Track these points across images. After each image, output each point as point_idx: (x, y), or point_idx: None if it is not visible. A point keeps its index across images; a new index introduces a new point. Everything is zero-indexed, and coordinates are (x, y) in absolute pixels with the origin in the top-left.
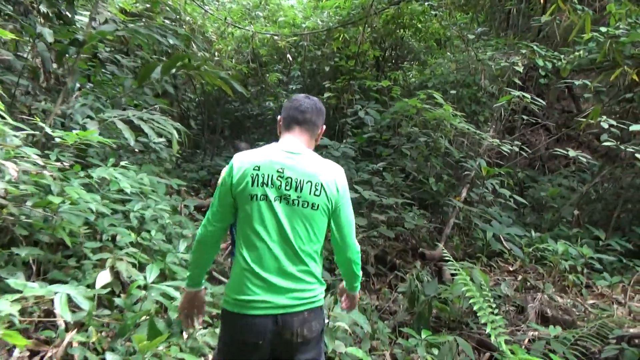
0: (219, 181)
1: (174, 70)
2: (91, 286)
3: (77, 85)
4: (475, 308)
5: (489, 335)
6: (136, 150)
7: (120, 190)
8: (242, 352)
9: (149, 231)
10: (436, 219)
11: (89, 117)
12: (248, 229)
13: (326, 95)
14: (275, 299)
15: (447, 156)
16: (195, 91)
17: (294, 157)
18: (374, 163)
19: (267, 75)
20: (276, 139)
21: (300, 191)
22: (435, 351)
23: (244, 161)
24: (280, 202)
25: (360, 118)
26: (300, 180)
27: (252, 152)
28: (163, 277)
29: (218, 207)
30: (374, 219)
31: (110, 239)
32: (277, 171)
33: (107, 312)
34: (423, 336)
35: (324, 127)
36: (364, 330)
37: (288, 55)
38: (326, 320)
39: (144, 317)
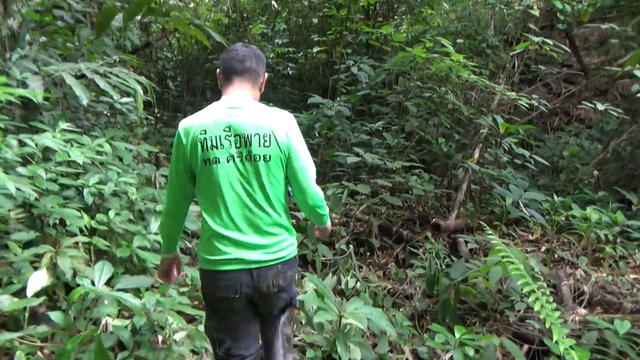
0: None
1: (138, 17)
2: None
3: (27, 37)
4: (531, 298)
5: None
6: (104, 112)
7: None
8: (223, 306)
9: (108, 210)
10: (446, 184)
11: (32, 72)
12: (208, 193)
13: (315, 49)
14: (248, 254)
15: (454, 113)
16: (172, 49)
17: (237, 112)
18: (370, 123)
19: (250, 27)
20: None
21: (250, 145)
22: (470, 351)
23: (190, 127)
24: (233, 161)
25: (353, 74)
26: (247, 135)
27: (197, 116)
28: (131, 266)
29: (175, 177)
30: (376, 185)
31: (57, 223)
32: (224, 130)
33: (43, 328)
34: (457, 335)
35: (266, 75)
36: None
37: (273, 3)
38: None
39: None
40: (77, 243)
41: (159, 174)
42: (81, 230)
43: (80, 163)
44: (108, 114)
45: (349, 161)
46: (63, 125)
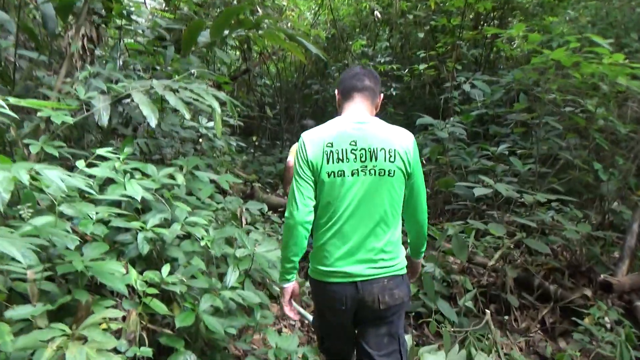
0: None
1: (227, 32)
2: None
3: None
4: None
5: None
6: (193, 139)
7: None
8: (331, 315)
9: (172, 260)
10: (606, 224)
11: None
12: (328, 204)
13: (422, 67)
14: (355, 269)
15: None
16: (270, 76)
17: (363, 126)
18: (487, 146)
19: (350, 43)
20: None
21: (376, 160)
22: None
23: (315, 139)
24: (358, 175)
25: (464, 92)
26: (374, 149)
27: (321, 129)
28: (195, 338)
29: (301, 186)
30: (510, 223)
31: (96, 283)
32: (350, 144)
33: None
34: None
35: (382, 95)
36: None
37: (376, 13)
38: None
39: None
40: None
41: (246, 208)
42: (130, 292)
43: (138, 199)
44: (198, 140)
45: (476, 193)
46: (128, 151)
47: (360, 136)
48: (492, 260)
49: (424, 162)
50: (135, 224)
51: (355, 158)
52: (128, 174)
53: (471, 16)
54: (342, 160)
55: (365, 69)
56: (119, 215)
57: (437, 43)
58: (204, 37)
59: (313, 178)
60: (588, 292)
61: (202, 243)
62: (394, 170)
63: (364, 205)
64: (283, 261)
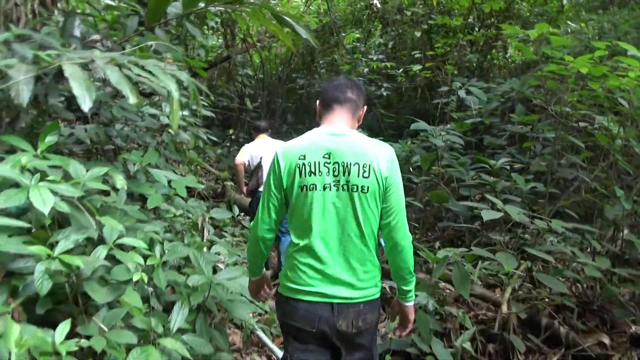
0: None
1: (203, 5)
2: None
3: (78, 34)
4: None
5: None
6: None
7: None
8: (299, 336)
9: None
10: (617, 255)
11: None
12: (300, 220)
13: (416, 68)
14: (333, 290)
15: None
16: (253, 67)
17: (338, 139)
18: (485, 159)
19: (343, 34)
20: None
21: (349, 175)
22: None
23: (289, 151)
24: (330, 189)
25: (459, 99)
26: (347, 163)
27: (296, 141)
28: None
29: (269, 202)
30: (518, 254)
31: None
32: (324, 157)
33: None
34: None
35: (365, 107)
36: None
37: (376, 2)
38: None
39: None
40: None
41: (210, 217)
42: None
43: (45, 212)
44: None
45: (485, 217)
46: (51, 140)
47: (334, 149)
48: (499, 295)
49: (411, 170)
50: (35, 249)
51: (329, 172)
52: (35, 175)
53: (470, 19)
54: (315, 174)
55: (349, 80)
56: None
57: (432, 44)
58: (175, 7)
59: (283, 194)
60: (606, 340)
61: (135, 277)
62: (367, 187)
63: (337, 222)
64: (249, 262)
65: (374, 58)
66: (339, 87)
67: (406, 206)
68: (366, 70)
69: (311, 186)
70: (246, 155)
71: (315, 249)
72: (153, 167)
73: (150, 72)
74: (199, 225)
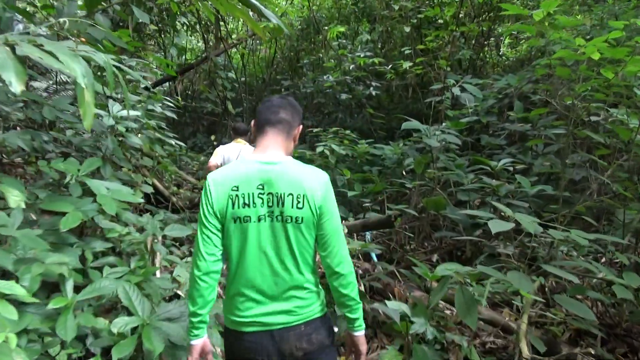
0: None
1: None
2: None
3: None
4: None
5: None
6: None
7: None
8: None
9: None
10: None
11: None
12: (235, 251)
13: (406, 64)
14: (269, 319)
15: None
16: (233, 69)
17: (272, 168)
18: (485, 160)
19: (326, 28)
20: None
21: (283, 206)
22: None
23: (220, 182)
24: (264, 220)
25: (453, 97)
26: (281, 195)
27: (227, 170)
28: None
29: (209, 231)
30: (529, 269)
31: None
32: (257, 187)
33: None
34: None
35: (301, 126)
36: None
37: None
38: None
39: None
40: None
41: (164, 235)
42: None
43: None
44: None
45: (493, 229)
46: None
47: (267, 179)
48: (508, 318)
49: (404, 173)
50: None
51: (262, 203)
52: None
53: (462, 13)
54: (249, 205)
55: (282, 99)
56: None
57: (423, 40)
58: None
59: (219, 224)
60: None
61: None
62: (302, 217)
63: (273, 253)
64: (189, 315)
65: (362, 55)
66: (271, 108)
67: (400, 214)
68: (352, 66)
69: (245, 218)
70: (219, 157)
71: (251, 281)
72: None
73: (48, 52)
74: (149, 246)
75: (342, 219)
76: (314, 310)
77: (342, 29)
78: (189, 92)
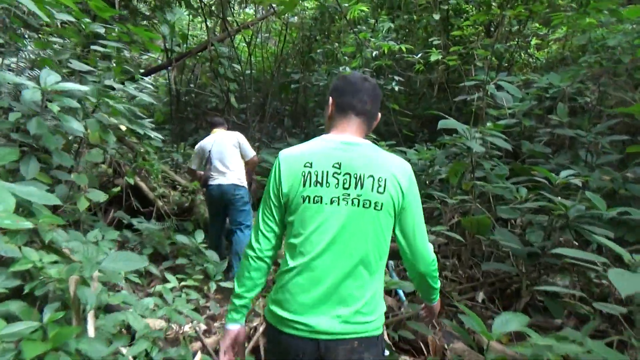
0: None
1: None
2: None
3: None
4: None
5: None
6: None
7: None
8: None
9: None
10: None
11: None
12: (300, 235)
13: (435, 56)
14: (319, 322)
15: None
16: (238, 59)
17: (352, 148)
18: (544, 170)
19: (347, 5)
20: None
21: (361, 188)
22: None
23: (292, 157)
24: (338, 203)
25: (488, 96)
26: (360, 176)
27: (302, 146)
28: None
29: (270, 213)
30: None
31: None
32: (333, 166)
33: None
34: None
35: (379, 115)
36: None
37: None
38: (386, 353)
39: None
40: None
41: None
42: None
43: None
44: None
45: (622, 289)
46: None
47: (346, 159)
48: None
49: (428, 183)
50: None
51: (337, 183)
52: None
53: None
54: (321, 184)
55: (368, 82)
56: None
57: (450, 32)
58: None
59: (283, 205)
60: None
61: None
62: (382, 203)
63: (342, 242)
64: (233, 296)
65: (386, 41)
66: (358, 94)
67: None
68: (375, 53)
69: (315, 198)
70: (195, 157)
71: (312, 271)
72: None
73: None
74: (71, 293)
75: None
76: (373, 326)
77: (364, 8)
78: (192, 85)
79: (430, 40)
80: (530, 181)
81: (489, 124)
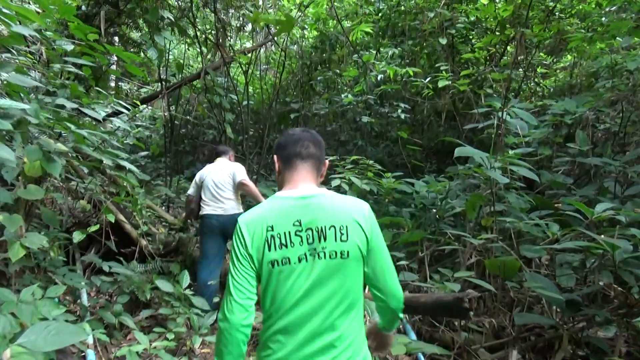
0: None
1: None
2: None
3: None
4: None
5: None
6: None
7: None
8: None
9: None
10: None
11: None
12: (274, 297)
13: (442, 84)
14: None
15: None
16: (235, 88)
17: (308, 202)
18: (574, 202)
19: (349, 25)
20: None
21: (325, 240)
22: None
23: (253, 222)
24: (306, 259)
25: (504, 123)
26: (322, 228)
27: (260, 209)
28: None
29: (238, 284)
30: None
31: None
32: (294, 225)
33: None
34: None
35: (327, 162)
36: None
37: None
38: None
39: None
40: None
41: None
42: None
43: None
44: None
45: None
46: None
47: (305, 214)
48: None
49: (438, 218)
50: None
51: (302, 241)
52: None
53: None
54: (286, 246)
55: (308, 132)
56: None
57: (456, 58)
58: None
59: (254, 270)
60: None
61: None
62: (348, 251)
63: (315, 295)
64: None
65: (389, 64)
66: (300, 142)
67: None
68: (380, 77)
69: (283, 260)
70: (193, 185)
71: (288, 326)
72: None
73: None
74: None
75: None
76: (355, 352)
77: (368, 29)
78: (189, 117)
79: (437, 65)
80: (553, 215)
81: (511, 151)
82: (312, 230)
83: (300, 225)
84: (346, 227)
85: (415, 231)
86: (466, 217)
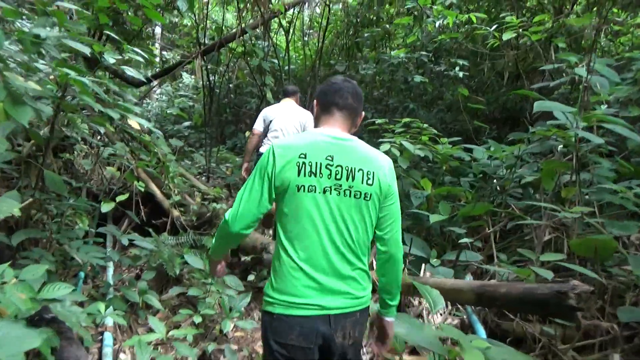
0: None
1: None
2: None
3: None
4: None
5: None
6: None
7: None
8: (293, 357)
9: None
10: None
11: None
12: (295, 224)
13: (507, 36)
14: (329, 301)
15: None
16: (277, 57)
17: (342, 143)
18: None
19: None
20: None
21: (352, 180)
22: None
23: (287, 147)
24: (330, 192)
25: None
26: (351, 169)
27: (295, 138)
28: None
29: (253, 196)
30: None
31: None
32: (326, 158)
33: None
34: None
35: (363, 113)
36: None
37: None
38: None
39: None
40: None
41: None
42: None
43: None
44: None
45: None
46: None
47: (338, 152)
48: None
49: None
50: None
51: (330, 174)
52: None
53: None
54: (315, 175)
55: (349, 82)
56: None
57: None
58: None
59: (272, 191)
60: None
61: None
62: (371, 194)
63: (334, 228)
64: (214, 249)
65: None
66: (339, 92)
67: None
68: (438, 24)
69: (309, 187)
70: (260, 121)
71: (312, 256)
72: None
73: None
74: None
75: (423, 259)
76: (367, 298)
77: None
78: (231, 85)
79: (501, 16)
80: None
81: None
82: (342, 167)
83: (332, 160)
84: (373, 172)
85: (478, 203)
86: (538, 188)
